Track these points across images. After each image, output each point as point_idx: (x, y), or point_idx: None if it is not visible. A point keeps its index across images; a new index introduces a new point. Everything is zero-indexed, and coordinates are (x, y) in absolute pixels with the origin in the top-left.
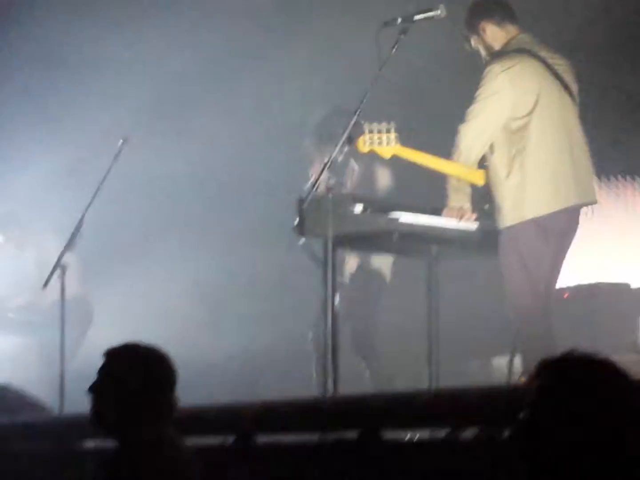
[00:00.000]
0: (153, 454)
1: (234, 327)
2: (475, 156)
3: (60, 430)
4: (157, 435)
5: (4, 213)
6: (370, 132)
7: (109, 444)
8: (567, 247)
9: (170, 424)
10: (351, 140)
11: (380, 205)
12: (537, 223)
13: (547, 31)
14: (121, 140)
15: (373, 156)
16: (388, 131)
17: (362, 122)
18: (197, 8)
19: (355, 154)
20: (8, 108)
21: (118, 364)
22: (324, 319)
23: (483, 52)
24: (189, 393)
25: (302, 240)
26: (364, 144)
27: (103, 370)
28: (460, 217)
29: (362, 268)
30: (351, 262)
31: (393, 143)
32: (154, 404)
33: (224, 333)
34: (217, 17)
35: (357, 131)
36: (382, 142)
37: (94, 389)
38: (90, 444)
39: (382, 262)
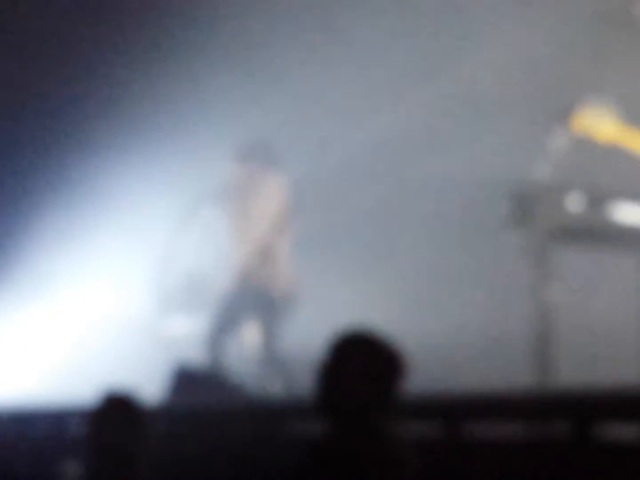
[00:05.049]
0: (376, 442)
1: (436, 317)
2: None
3: (265, 413)
4: (382, 424)
5: None
6: (588, 109)
7: (315, 429)
8: None
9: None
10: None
11: (599, 197)
12: None
13: None
14: None
15: None
16: (609, 108)
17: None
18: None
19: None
20: None
21: (355, 351)
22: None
23: None
24: None
25: (516, 231)
26: (581, 122)
27: (339, 356)
28: None
29: None
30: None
31: (615, 123)
32: (384, 395)
33: (425, 323)
34: None
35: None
36: (602, 122)
37: (328, 374)
38: (294, 428)
39: None
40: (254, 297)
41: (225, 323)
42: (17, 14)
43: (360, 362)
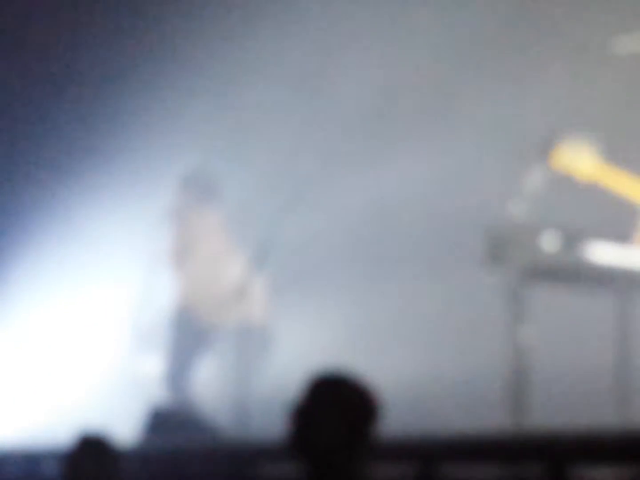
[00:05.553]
0: None
1: (409, 357)
2: None
3: (240, 454)
4: (358, 466)
5: None
6: (568, 145)
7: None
8: None
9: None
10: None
11: (574, 236)
12: None
13: None
14: None
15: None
16: (589, 145)
17: (557, 135)
18: None
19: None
20: None
21: (330, 392)
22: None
23: None
24: None
25: (490, 270)
26: (559, 159)
27: (314, 397)
28: None
29: None
30: None
31: (594, 160)
32: (359, 436)
33: (398, 362)
34: None
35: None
36: (581, 159)
37: (302, 415)
38: (268, 469)
39: None
40: (191, 330)
41: (180, 359)
42: None
43: (335, 404)
